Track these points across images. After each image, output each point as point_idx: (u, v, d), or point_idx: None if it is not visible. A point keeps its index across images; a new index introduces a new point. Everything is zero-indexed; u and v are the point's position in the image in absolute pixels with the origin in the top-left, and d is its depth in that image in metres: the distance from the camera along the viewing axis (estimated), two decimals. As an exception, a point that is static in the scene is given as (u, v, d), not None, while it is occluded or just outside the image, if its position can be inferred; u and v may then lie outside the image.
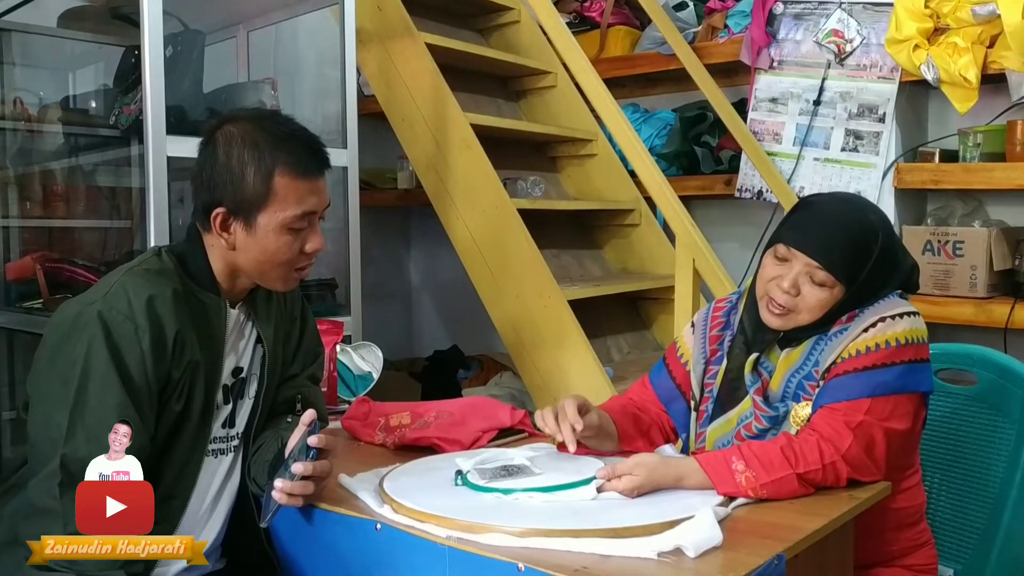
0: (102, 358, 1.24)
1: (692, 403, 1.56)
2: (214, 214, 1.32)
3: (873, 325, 1.37)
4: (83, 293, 1.32)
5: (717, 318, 1.57)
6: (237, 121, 1.35)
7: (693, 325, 1.60)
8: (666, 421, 1.59)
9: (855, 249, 1.38)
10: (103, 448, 1.17)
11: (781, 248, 1.41)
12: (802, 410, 1.39)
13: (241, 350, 1.44)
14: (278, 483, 1.25)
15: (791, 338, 1.44)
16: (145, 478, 1.23)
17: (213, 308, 1.37)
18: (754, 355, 1.45)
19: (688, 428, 1.57)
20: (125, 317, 1.26)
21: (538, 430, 1.44)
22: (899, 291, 1.45)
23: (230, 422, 1.44)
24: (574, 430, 1.36)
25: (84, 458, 1.18)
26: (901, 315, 1.38)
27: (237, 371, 1.44)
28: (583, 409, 1.41)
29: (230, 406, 1.43)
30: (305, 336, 1.58)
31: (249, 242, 1.33)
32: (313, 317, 1.62)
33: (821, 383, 1.39)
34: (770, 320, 1.43)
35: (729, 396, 1.49)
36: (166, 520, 1.32)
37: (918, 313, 1.41)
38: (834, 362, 1.38)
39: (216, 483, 1.42)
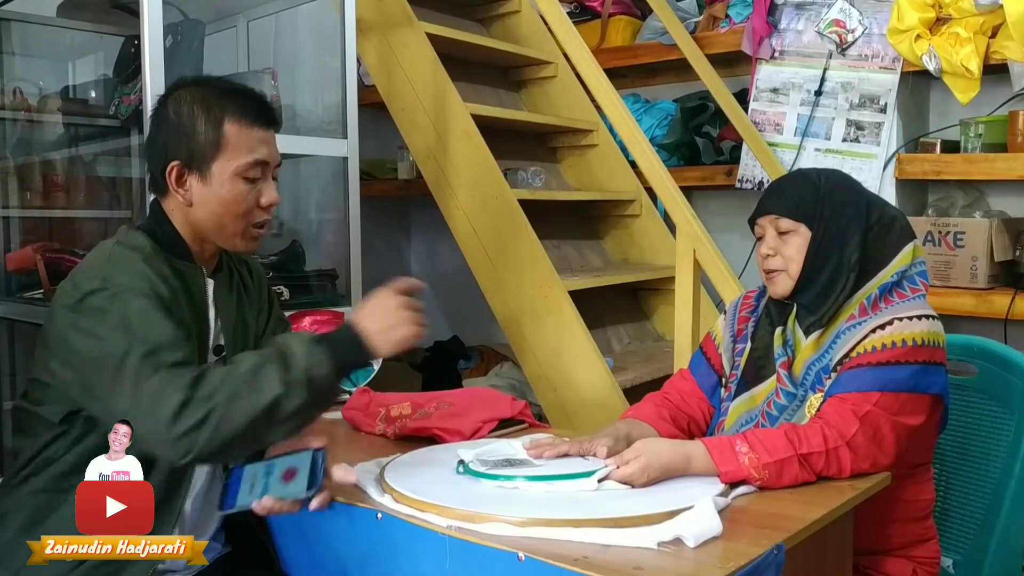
0: (137, 302, 1.25)
1: (722, 380, 1.61)
2: (169, 168, 1.36)
3: (890, 323, 1.39)
4: (82, 270, 1.32)
5: (748, 302, 1.65)
6: (185, 86, 1.41)
7: (725, 312, 1.67)
8: (707, 411, 1.63)
9: (800, 188, 1.50)
10: (169, 347, 1.21)
11: (755, 229, 1.55)
12: (817, 400, 1.41)
13: (219, 329, 1.46)
14: (266, 500, 1.23)
15: (811, 310, 1.47)
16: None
17: (190, 274, 1.39)
18: (779, 328, 1.51)
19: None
20: (139, 274, 1.29)
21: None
22: (919, 292, 1.46)
23: None
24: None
25: (153, 351, 1.20)
26: (920, 317, 1.40)
27: (219, 349, 1.45)
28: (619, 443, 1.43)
29: None
30: (272, 315, 1.61)
31: (205, 193, 1.37)
32: (279, 305, 1.66)
33: (833, 375, 1.40)
34: (773, 290, 1.52)
35: (754, 374, 1.53)
36: (179, 488, 1.33)
37: (938, 318, 1.43)
38: (847, 355, 1.40)
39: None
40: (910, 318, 1.39)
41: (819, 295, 1.46)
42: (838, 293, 1.45)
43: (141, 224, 1.42)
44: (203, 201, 1.37)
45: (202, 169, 1.36)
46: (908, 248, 1.47)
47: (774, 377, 1.49)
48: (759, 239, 1.54)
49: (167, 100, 1.39)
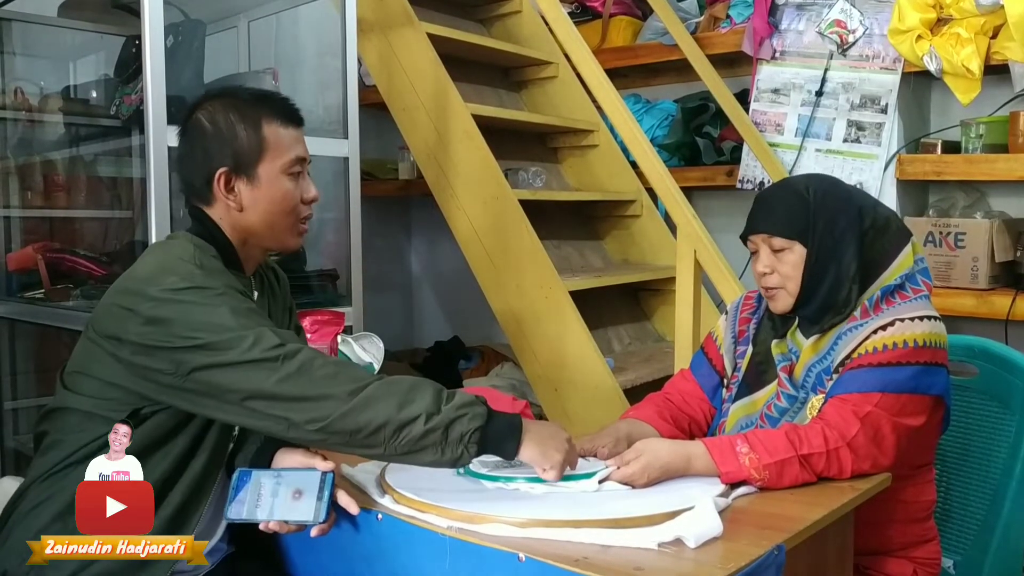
0: (239, 300, 1.28)
1: (724, 380, 1.60)
2: (217, 176, 1.38)
3: (891, 324, 1.38)
4: (150, 275, 1.30)
5: (749, 303, 1.64)
6: (210, 99, 1.43)
7: (726, 313, 1.67)
8: (708, 411, 1.63)
9: (789, 204, 1.47)
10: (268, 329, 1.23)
11: (748, 244, 1.53)
12: (818, 402, 1.41)
13: None
14: (273, 524, 1.25)
15: (814, 321, 1.47)
16: (193, 440, 1.29)
17: (245, 287, 1.41)
18: (777, 340, 1.51)
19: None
20: (227, 281, 1.32)
21: None
22: (921, 292, 1.45)
23: None
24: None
25: (261, 335, 1.21)
26: (922, 318, 1.39)
27: None
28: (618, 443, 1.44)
29: None
30: (292, 323, 1.63)
31: (256, 196, 1.39)
32: (296, 311, 1.66)
33: (835, 376, 1.40)
34: (774, 307, 1.51)
35: (756, 378, 1.52)
36: (208, 480, 1.35)
37: (940, 319, 1.42)
38: (849, 356, 1.40)
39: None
40: (912, 319, 1.38)
41: (821, 307, 1.45)
42: (841, 305, 1.44)
43: (195, 232, 1.41)
44: (254, 203, 1.39)
45: (249, 173, 1.38)
46: (907, 249, 1.47)
47: (775, 382, 1.49)
48: (753, 253, 1.52)
49: (195, 115, 1.41)
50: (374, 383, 1.21)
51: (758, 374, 1.53)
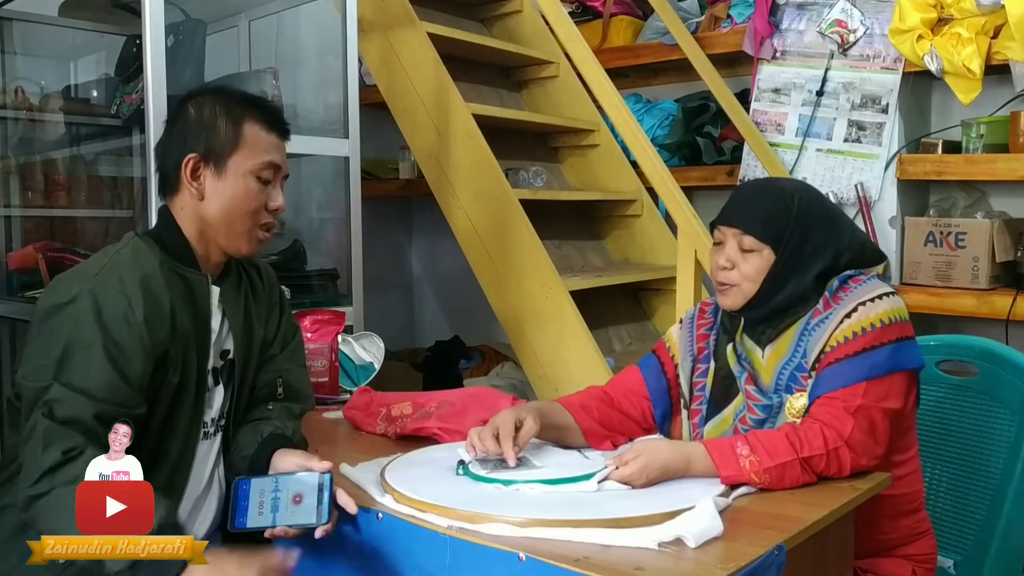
0: (90, 331, 1.26)
1: (682, 401, 1.57)
2: (186, 160, 1.38)
3: (855, 310, 1.38)
4: (72, 274, 1.35)
5: (704, 316, 1.59)
6: (204, 92, 1.45)
7: (681, 323, 1.62)
8: (647, 408, 1.58)
9: (772, 210, 1.43)
10: (78, 398, 1.22)
11: (715, 233, 1.49)
12: (796, 401, 1.40)
13: (226, 333, 1.47)
14: (279, 531, 1.25)
15: (759, 322, 1.45)
16: (152, 450, 1.29)
17: (195, 282, 1.41)
18: (730, 345, 1.48)
19: (667, 424, 1.58)
20: (119, 294, 1.29)
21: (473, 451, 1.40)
22: (871, 274, 1.45)
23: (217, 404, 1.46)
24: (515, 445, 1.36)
25: (60, 399, 1.21)
26: (880, 296, 1.39)
27: (224, 353, 1.46)
28: (518, 424, 1.39)
29: (221, 388, 1.46)
30: (283, 321, 1.61)
31: (219, 187, 1.39)
32: (289, 306, 1.66)
33: (813, 374, 1.40)
34: (722, 302, 1.48)
35: (723, 394, 1.50)
36: (174, 491, 1.36)
37: (895, 292, 1.42)
38: (823, 351, 1.39)
39: (209, 465, 1.44)
40: (872, 300, 1.38)
41: (769, 314, 1.44)
42: (791, 309, 1.43)
43: (150, 231, 1.44)
44: (215, 195, 1.39)
45: (218, 163, 1.39)
46: (878, 267, 1.47)
47: (742, 393, 1.46)
48: (716, 246, 1.48)
49: (186, 103, 1.43)
50: (64, 491, 1.17)
51: (724, 388, 1.49)
